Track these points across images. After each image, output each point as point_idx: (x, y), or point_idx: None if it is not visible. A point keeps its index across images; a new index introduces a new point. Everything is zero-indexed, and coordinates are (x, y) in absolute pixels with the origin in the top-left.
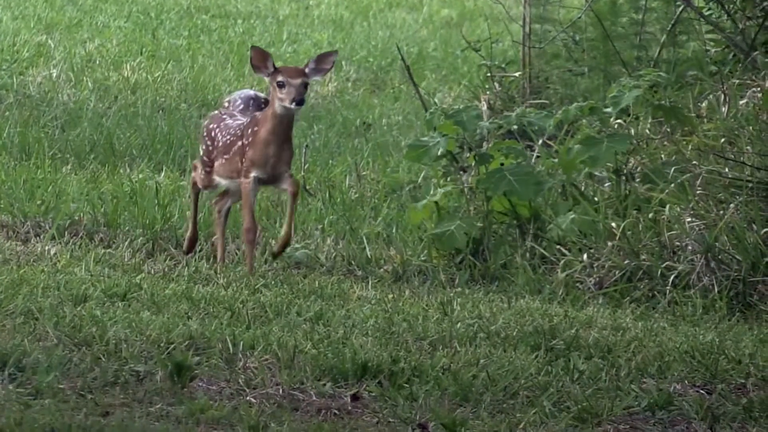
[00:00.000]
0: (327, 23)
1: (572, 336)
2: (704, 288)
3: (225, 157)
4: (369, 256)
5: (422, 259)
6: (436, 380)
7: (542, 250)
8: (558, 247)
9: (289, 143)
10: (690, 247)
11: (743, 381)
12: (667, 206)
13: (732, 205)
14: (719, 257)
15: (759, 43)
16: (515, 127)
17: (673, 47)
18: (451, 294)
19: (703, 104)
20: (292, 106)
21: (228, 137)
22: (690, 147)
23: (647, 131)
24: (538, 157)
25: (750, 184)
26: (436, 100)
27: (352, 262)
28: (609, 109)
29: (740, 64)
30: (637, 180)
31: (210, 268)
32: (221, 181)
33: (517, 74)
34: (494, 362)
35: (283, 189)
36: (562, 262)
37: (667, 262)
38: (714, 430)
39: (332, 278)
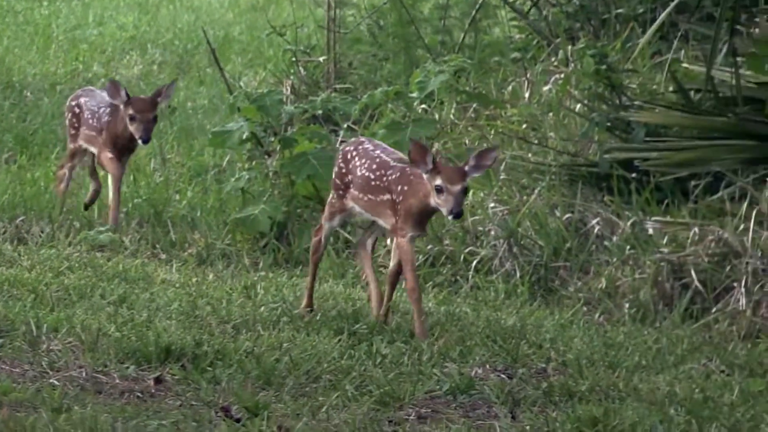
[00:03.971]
0: (133, 5)
1: (375, 320)
2: (506, 273)
3: (369, 196)
4: (173, 240)
5: (226, 242)
6: (240, 363)
7: (346, 235)
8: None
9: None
10: (493, 233)
11: (544, 365)
12: (471, 191)
13: (536, 191)
14: (522, 243)
15: (562, 30)
16: (320, 111)
17: (475, 33)
18: (255, 278)
19: (507, 90)
20: (450, 218)
21: (367, 172)
22: (494, 132)
23: (452, 116)
24: (342, 141)
25: (553, 170)
26: (242, 84)
27: (157, 246)
28: (414, 94)
29: (544, 51)
30: None
31: (14, 250)
32: (356, 208)
33: (321, 59)
34: (297, 346)
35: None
36: None
37: (470, 248)
38: (514, 413)
39: (136, 261)
